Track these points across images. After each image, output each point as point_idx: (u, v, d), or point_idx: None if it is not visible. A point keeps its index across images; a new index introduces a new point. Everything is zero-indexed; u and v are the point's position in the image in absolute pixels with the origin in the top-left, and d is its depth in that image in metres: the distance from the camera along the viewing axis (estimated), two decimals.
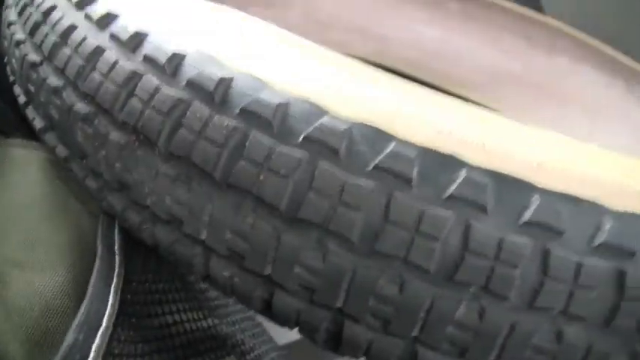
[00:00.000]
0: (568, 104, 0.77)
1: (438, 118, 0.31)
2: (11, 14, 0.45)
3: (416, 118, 0.31)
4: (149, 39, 0.35)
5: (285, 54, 0.34)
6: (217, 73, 0.33)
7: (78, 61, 0.37)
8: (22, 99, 0.43)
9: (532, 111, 0.78)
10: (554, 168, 0.31)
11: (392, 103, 0.32)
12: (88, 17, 0.38)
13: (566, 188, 0.30)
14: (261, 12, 0.76)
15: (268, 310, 0.33)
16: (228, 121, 0.32)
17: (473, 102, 0.79)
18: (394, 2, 0.79)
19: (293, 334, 0.43)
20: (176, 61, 0.34)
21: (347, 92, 0.32)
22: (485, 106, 0.80)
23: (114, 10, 0.38)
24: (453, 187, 0.29)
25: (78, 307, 0.33)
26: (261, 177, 0.31)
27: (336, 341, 0.32)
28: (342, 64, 0.33)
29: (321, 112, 0.31)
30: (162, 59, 0.34)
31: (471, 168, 0.30)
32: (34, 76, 0.40)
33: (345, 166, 0.30)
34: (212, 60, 0.34)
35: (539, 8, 0.78)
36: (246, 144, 0.31)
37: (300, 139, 0.31)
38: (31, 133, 0.44)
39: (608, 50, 0.74)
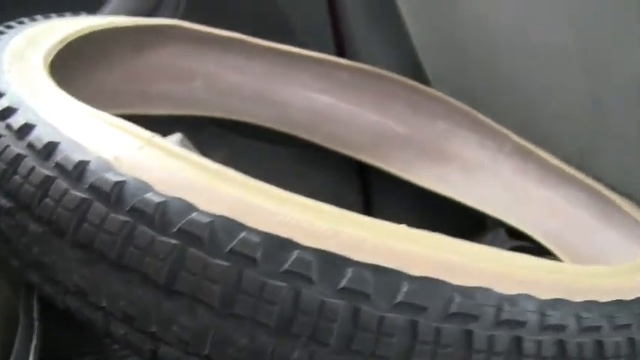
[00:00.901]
0: (448, 163, 0.92)
1: (280, 209, 0.45)
2: None
3: (263, 210, 0.45)
4: (60, 148, 0.49)
5: (167, 161, 0.47)
6: (113, 178, 0.46)
7: (1, 166, 0.50)
8: None
9: (416, 170, 0.93)
10: (367, 244, 0.45)
11: (244, 198, 0.45)
12: (9, 127, 0.51)
13: (374, 260, 0.44)
14: (167, 86, 0.90)
15: (155, 359, 0.46)
16: (120, 217, 0.45)
17: (363, 162, 0.93)
18: (289, 72, 0.93)
19: None
20: (81, 167, 0.47)
21: (211, 191, 0.45)
22: (373, 166, 0.95)
23: (31, 121, 0.51)
24: (287, 265, 0.43)
25: None
26: (146, 259, 0.44)
27: None
28: (209, 168, 0.47)
29: (191, 208, 0.44)
30: (70, 166, 0.47)
31: (302, 248, 0.43)
32: None
33: (207, 251, 0.43)
34: (109, 167, 0.47)
35: (426, 81, 0.94)
36: (135, 234, 0.44)
37: (175, 230, 0.44)
38: None
39: (481, 116, 0.89)
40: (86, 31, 0.75)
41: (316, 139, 0.94)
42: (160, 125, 0.85)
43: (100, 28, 0.77)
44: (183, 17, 0.95)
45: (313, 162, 0.99)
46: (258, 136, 0.96)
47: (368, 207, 1.02)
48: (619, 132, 0.77)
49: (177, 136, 0.83)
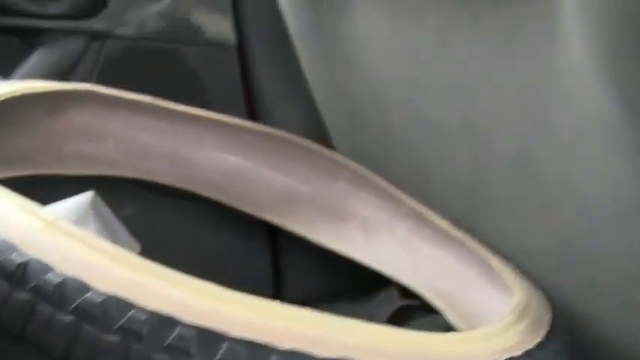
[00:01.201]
0: (348, 222, 1.01)
1: (166, 288, 0.53)
2: None
3: (150, 289, 0.53)
4: None
5: (66, 243, 0.55)
6: (17, 259, 0.53)
7: None
8: None
9: (318, 228, 1.01)
10: (243, 320, 0.53)
11: (135, 278, 0.53)
12: None
13: (248, 335, 0.52)
14: (80, 147, 0.97)
15: None
16: (23, 295, 0.52)
17: (268, 221, 1.01)
18: (198, 133, 1.01)
19: None
20: None
21: (105, 271, 0.53)
22: (278, 225, 1.03)
23: None
24: (169, 340, 0.51)
25: None
26: (45, 335, 0.51)
27: None
28: (105, 249, 0.55)
29: (86, 287, 0.52)
30: None
31: (184, 325, 0.51)
32: None
33: (100, 327, 0.51)
34: (14, 248, 0.54)
35: (330, 144, 1.03)
36: (36, 311, 0.52)
37: (72, 307, 0.51)
38: None
39: (378, 179, 0.98)
40: (1, 98, 0.82)
41: (224, 199, 1.01)
42: (75, 182, 0.93)
43: (15, 94, 0.85)
44: (99, 79, 1.03)
45: (223, 219, 1.07)
46: (169, 192, 1.04)
47: (276, 264, 1.10)
48: (499, 199, 0.86)
49: (88, 195, 0.90)
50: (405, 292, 0.95)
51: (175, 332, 0.51)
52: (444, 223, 0.93)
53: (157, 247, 1.01)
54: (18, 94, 0.85)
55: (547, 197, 0.79)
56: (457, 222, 0.92)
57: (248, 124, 1.02)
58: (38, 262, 0.53)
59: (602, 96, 0.64)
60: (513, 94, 0.77)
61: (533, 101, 0.75)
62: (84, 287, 0.52)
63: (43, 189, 0.83)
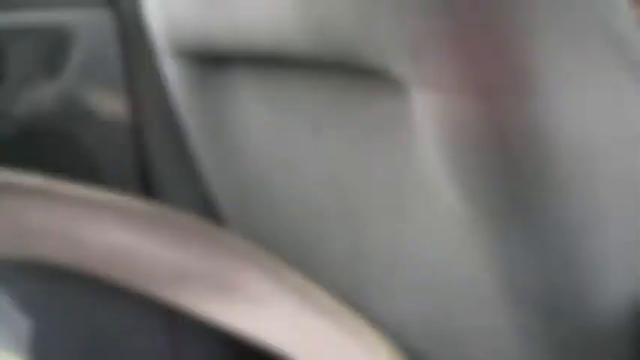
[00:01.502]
0: (235, 296, 1.05)
1: None
2: None
3: None
4: None
5: None
6: None
7: None
8: None
9: (207, 303, 1.05)
10: None
11: None
12: None
13: None
14: None
15: None
16: None
17: (161, 299, 1.05)
18: (91, 212, 1.05)
19: None
20: None
21: None
22: (171, 302, 1.06)
23: None
24: None
25: None
26: None
27: None
28: None
29: None
30: None
31: None
32: None
33: None
34: None
35: (224, 224, 1.07)
36: None
37: None
38: None
39: (268, 258, 1.03)
40: None
41: (119, 277, 1.05)
42: None
43: None
44: None
45: (119, 294, 1.10)
46: (64, 269, 1.07)
47: (173, 340, 1.13)
48: (377, 280, 0.91)
49: None
50: None
51: None
52: (327, 298, 0.97)
53: (51, 325, 1.04)
54: None
55: (418, 279, 0.85)
56: (341, 298, 0.97)
57: (142, 204, 1.05)
58: None
59: (449, 193, 0.70)
60: (379, 185, 0.83)
61: (396, 192, 0.81)
62: None
63: None
